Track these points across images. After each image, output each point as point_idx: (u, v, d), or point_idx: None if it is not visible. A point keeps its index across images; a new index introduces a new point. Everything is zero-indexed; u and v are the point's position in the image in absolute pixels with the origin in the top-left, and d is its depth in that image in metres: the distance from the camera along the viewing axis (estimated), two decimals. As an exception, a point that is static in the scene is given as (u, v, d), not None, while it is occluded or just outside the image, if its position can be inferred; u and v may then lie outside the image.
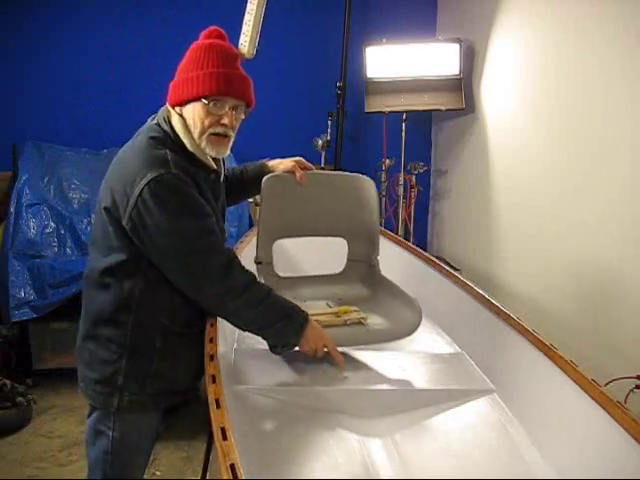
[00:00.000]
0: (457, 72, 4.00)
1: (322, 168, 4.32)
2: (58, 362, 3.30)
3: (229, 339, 1.86)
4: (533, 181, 3.32)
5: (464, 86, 4.00)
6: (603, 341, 2.70)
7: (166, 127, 1.56)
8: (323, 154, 4.28)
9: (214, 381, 1.37)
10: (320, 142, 4.21)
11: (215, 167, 1.63)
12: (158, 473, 1.60)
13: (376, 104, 4.09)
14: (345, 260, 2.06)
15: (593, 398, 1.38)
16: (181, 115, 1.56)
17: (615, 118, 2.66)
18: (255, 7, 2.97)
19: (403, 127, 4.11)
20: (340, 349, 1.68)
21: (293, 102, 4.41)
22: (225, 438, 1.13)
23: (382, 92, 4.08)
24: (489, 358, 1.81)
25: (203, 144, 1.55)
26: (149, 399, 1.60)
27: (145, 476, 1.72)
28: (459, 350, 1.93)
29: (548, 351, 1.59)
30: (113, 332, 1.56)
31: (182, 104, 1.55)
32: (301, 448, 1.42)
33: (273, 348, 1.61)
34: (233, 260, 1.54)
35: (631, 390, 2.26)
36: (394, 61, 4.04)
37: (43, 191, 3.60)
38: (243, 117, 1.63)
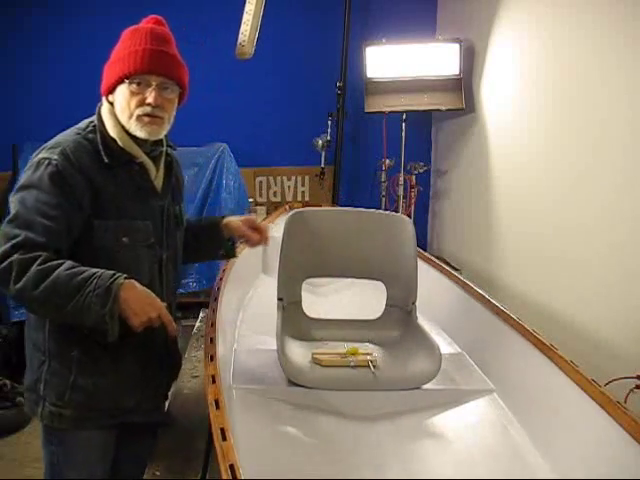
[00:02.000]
0: (457, 72, 3.99)
1: (322, 168, 4.34)
2: (58, 362, 3.29)
3: (229, 339, 1.86)
4: (533, 181, 3.31)
5: (464, 86, 4.00)
6: (603, 341, 2.69)
7: (95, 117, 1.51)
8: (323, 154, 4.28)
9: (214, 381, 1.37)
10: (320, 142, 4.21)
11: (140, 158, 1.49)
12: (158, 473, 1.60)
13: (376, 104, 4.09)
14: (384, 305, 1.95)
15: (593, 398, 1.38)
16: (112, 104, 1.48)
17: (616, 118, 2.65)
18: (254, 7, 2.98)
19: (403, 127, 4.11)
20: None
21: (293, 102, 4.41)
22: (225, 438, 1.13)
23: (382, 92, 4.08)
24: (489, 358, 1.81)
25: (132, 127, 1.45)
26: (69, 413, 1.48)
27: (145, 476, 1.72)
28: (459, 350, 1.93)
29: (548, 351, 1.59)
30: (36, 337, 1.50)
31: (111, 91, 1.48)
32: (300, 448, 1.42)
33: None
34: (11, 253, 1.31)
35: (631, 390, 2.26)
36: (394, 61, 4.04)
37: (43, 191, 3.60)
38: (176, 99, 1.50)
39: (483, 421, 1.58)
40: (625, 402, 2.07)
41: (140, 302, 1.33)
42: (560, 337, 1.93)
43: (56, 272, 1.30)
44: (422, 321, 1.86)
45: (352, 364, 1.64)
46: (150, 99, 1.43)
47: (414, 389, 1.62)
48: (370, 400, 1.58)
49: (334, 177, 4.40)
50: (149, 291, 1.37)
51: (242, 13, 2.97)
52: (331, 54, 4.24)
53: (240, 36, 2.90)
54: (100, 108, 1.52)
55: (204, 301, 3.07)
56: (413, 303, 1.87)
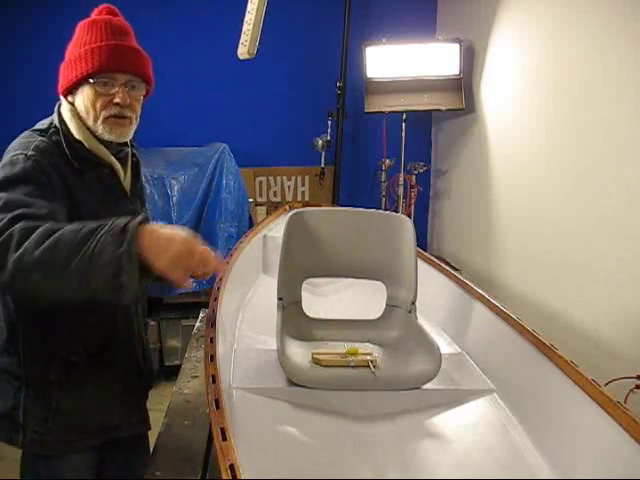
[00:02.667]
0: (457, 72, 4.00)
1: (322, 168, 4.34)
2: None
3: (229, 339, 1.86)
4: (533, 181, 3.31)
5: (464, 86, 4.00)
6: (603, 341, 2.69)
7: (55, 118, 1.41)
8: (323, 154, 4.29)
9: (214, 381, 1.36)
10: (320, 142, 4.21)
11: (109, 160, 1.42)
12: (158, 473, 1.60)
13: (376, 104, 4.09)
14: (384, 305, 1.95)
15: (593, 398, 1.38)
16: (73, 104, 1.40)
17: (617, 117, 2.65)
18: (256, 6, 2.97)
19: (403, 127, 4.11)
20: None
21: (293, 102, 4.41)
22: (225, 438, 1.12)
23: (382, 92, 4.08)
24: (489, 358, 1.81)
25: (100, 130, 1.37)
26: (52, 439, 1.42)
27: (145, 476, 1.72)
28: (459, 350, 1.93)
29: (548, 351, 1.59)
30: (8, 362, 1.41)
31: (71, 91, 1.40)
32: (300, 448, 1.42)
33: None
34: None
35: (631, 390, 2.26)
36: (394, 61, 4.04)
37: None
38: (142, 96, 1.42)
39: (483, 421, 1.58)
40: (625, 402, 2.08)
41: (167, 243, 1.08)
42: (560, 337, 1.93)
43: (61, 230, 1.11)
44: (422, 321, 1.86)
45: (352, 364, 1.63)
46: (118, 99, 1.35)
47: (414, 389, 1.62)
48: (370, 400, 1.58)
49: (334, 177, 4.41)
50: (178, 232, 1.11)
51: (243, 13, 2.97)
52: (331, 54, 4.25)
53: (242, 36, 2.89)
54: (60, 108, 1.42)
55: (204, 301, 3.07)
56: (413, 303, 1.87)
